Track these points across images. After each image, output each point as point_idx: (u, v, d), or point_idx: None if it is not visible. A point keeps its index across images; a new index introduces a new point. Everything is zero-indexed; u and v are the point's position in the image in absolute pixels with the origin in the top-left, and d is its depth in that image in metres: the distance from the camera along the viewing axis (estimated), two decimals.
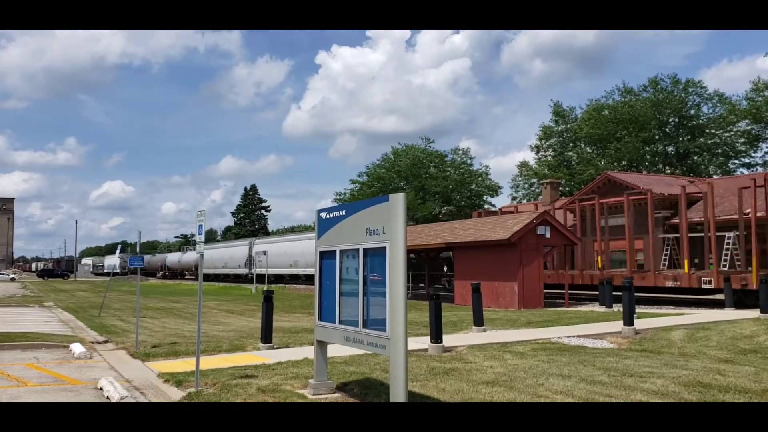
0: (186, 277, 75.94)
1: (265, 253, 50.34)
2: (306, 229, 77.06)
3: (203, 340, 11.84)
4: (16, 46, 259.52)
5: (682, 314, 18.91)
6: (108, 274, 66.58)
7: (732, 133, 55.69)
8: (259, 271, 52.24)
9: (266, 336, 12.04)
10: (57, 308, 25.07)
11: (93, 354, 11.96)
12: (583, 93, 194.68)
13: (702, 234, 25.63)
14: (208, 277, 65.61)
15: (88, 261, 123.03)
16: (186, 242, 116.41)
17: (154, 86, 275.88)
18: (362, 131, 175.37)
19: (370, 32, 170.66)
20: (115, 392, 8.00)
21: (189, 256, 74.25)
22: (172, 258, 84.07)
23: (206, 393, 8.00)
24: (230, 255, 62.78)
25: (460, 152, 71.17)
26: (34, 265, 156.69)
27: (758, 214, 23.63)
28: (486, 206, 66.78)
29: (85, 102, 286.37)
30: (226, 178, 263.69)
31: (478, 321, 14.65)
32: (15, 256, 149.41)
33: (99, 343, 13.73)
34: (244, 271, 56.60)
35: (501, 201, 71.89)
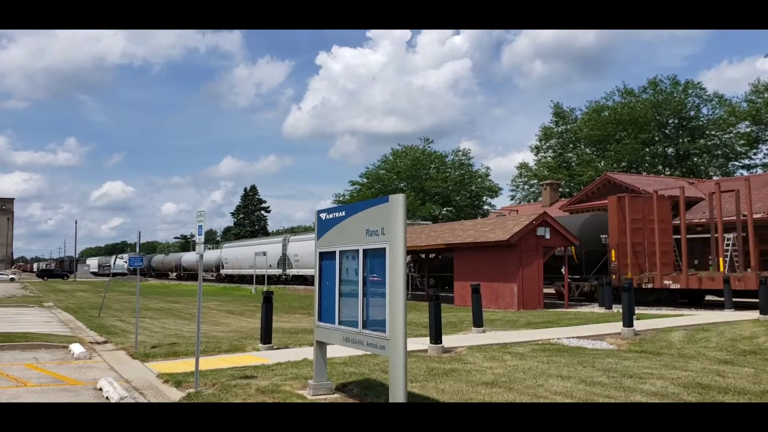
0: (205, 278, 69.89)
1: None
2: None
3: (203, 341, 11.83)
4: (17, 46, 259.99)
5: (682, 315, 18.89)
6: (116, 275, 63.70)
7: (732, 134, 55.75)
8: (294, 272, 48.88)
9: (266, 337, 12.04)
10: (56, 308, 25.06)
11: (92, 354, 11.96)
12: (583, 94, 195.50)
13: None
14: (232, 279, 61.49)
15: (93, 261, 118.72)
16: (187, 242, 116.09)
17: (154, 86, 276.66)
18: (362, 132, 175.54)
19: (370, 33, 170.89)
20: (114, 392, 7.99)
21: (209, 256, 68.50)
22: (189, 257, 76.79)
23: (205, 393, 8.00)
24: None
25: (460, 153, 71.40)
26: (34, 266, 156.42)
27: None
28: (486, 207, 66.80)
29: (86, 102, 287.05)
30: (226, 178, 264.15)
31: (478, 322, 14.65)
32: (15, 257, 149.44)
33: (98, 343, 13.72)
34: (276, 271, 51.54)
35: (501, 202, 71.80)
